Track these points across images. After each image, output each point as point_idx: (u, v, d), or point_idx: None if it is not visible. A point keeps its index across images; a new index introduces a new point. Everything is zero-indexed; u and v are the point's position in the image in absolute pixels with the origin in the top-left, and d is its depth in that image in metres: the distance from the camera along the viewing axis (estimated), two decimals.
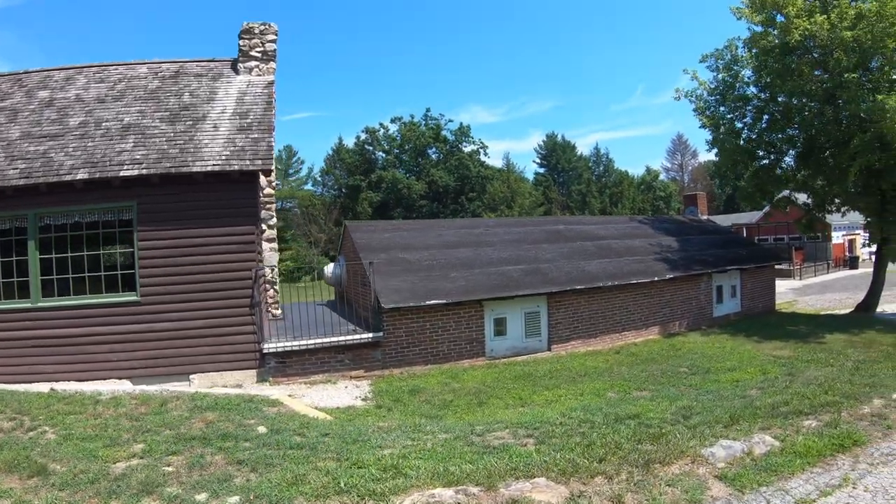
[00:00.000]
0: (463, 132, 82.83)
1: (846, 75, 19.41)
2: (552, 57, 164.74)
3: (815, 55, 21.55)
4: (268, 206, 19.65)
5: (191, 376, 13.87)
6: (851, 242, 54.30)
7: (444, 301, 16.45)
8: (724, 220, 59.51)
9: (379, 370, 15.65)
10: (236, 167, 14.04)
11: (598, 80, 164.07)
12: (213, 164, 14.02)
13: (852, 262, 51.81)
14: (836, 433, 8.01)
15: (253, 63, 18.65)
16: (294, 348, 14.82)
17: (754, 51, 23.11)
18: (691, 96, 25.14)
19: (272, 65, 18.91)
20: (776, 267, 46.59)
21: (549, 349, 18.27)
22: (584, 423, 9.06)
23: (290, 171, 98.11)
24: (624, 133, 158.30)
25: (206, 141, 14.79)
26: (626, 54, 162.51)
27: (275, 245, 20.06)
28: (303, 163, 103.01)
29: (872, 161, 20.20)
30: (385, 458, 6.87)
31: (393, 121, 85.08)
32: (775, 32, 22.29)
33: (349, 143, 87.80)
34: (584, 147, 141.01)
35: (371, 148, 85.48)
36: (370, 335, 15.65)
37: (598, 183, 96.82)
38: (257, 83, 17.85)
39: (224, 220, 14.21)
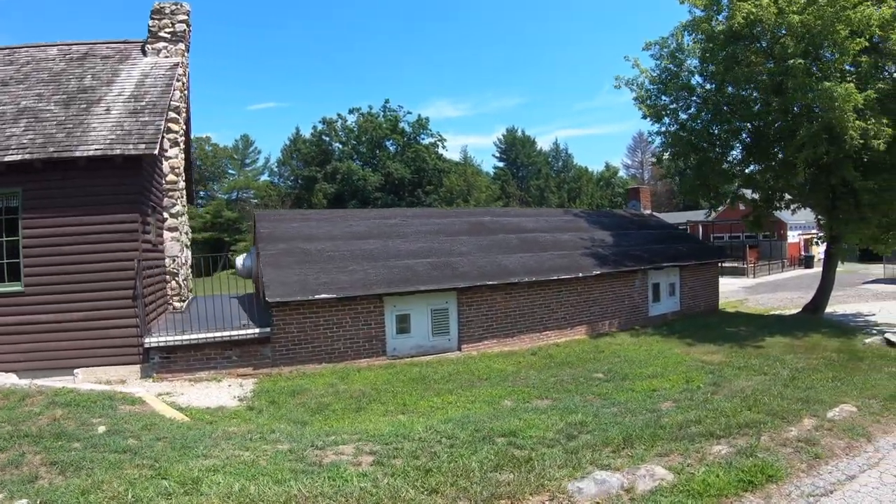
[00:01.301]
0: (421, 124, 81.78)
1: (791, 61, 18.07)
2: (518, 53, 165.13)
3: (763, 44, 20.40)
4: (170, 193, 18.61)
5: (75, 370, 13.15)
6: (807, 241, 53.92)
7: (336, 295, 15.06)
8: (679, 217, 59.23)
9: (268, 368, 14.59)
10: (119, 151, 13.28)
11: (564, 78, 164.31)
12: (96, 149, 13.27)
13: (807, 262, 51.53)
14: (748, 465, 6.88)
15: (161, 44, 18.02)
16: (178, 343, 13.85)
17: (699, 36, 21.83)
18: (632, 85, 23.68)
19: (181, 46, 18.31)
20: (729, 265, 47.28)
21: (460, 349, 16.89)
22: (447, 438, 8.12)
23: (247, 161, 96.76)
24: (589, 130, 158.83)
25: (95, 125, 14.02)
26: (593, 53, 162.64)
27: (178, 235, 18.89)
28: (259, 152, 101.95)
29: (820, 154, 18.99)
30: (194, 470, 6.43)
31: (351, 111, 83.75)
32: (720, 18, 21.11)
33: (307, 133, 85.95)
34: (546, 143, 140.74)
35: (328, 139, 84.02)
36: (257, 330, 14.53)
37: (556, 178, 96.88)
38: (162, 65, 17.20)
39: (107, 208, 13.53)
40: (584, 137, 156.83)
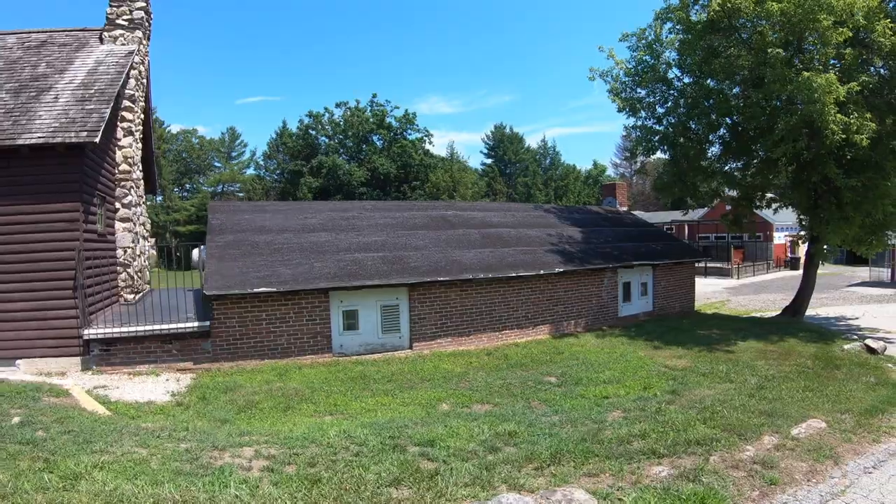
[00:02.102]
0: (408, 119, 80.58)
1: (770, 50, 17.21)
2: (513, 51, 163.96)
3: (743, 35, 19.55)
4: (123, 183, 18.11)
5: (17, 362, 13.02)
6: (793, 243, 53.48)
7: (275, 289, 14.30)
8: (665, 217, 58.75)
9: (209, 363, 14.12)
10: (60, 139, 13.06)
11: (557, 76, 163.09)
12: (39, 137, 13.09)
13: (793, 263, 51.01)
14: (687, 491, 6.14)
15: (119, 32, 17.93)
16: (117, 335, 13.50)
17: (677, 27, 21.01)
18: (607, 76, 22.67)
19: (138, 33, 18.23)
20: (714, 265, 47.05)
21: (411, 347, 16.12)
22: (357, 445, 7.71)
23: (233, 154, 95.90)
24: (581, 129, 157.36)
25: (42, 113, 13.88)
26: (588, 51, 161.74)
27: (130, 225, 18.34)
28: (246, 146, 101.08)
29: (800, 149, 18.15)
30: (81, 466, 6.29)
31: (338, 105, 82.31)
32: (698, 7, 20.36)
33: (294, 127, 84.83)
34: (535, 140, 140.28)
35: (314, 133, 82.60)
36: (196, 324, 14.06)
37: (544, 176, 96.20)
38: (117, 53, 17.02)
39: (49, 197, 13.35)
40: (575, 135, 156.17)
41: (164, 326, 13.80)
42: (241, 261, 15.24)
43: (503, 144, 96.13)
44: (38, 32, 17.56)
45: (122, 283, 17.86)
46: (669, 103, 22.21)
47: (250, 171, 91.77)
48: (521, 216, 23.54)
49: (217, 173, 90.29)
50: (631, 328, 19.36)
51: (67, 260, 13.20)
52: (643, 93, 22.42)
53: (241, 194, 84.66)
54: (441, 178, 76.90)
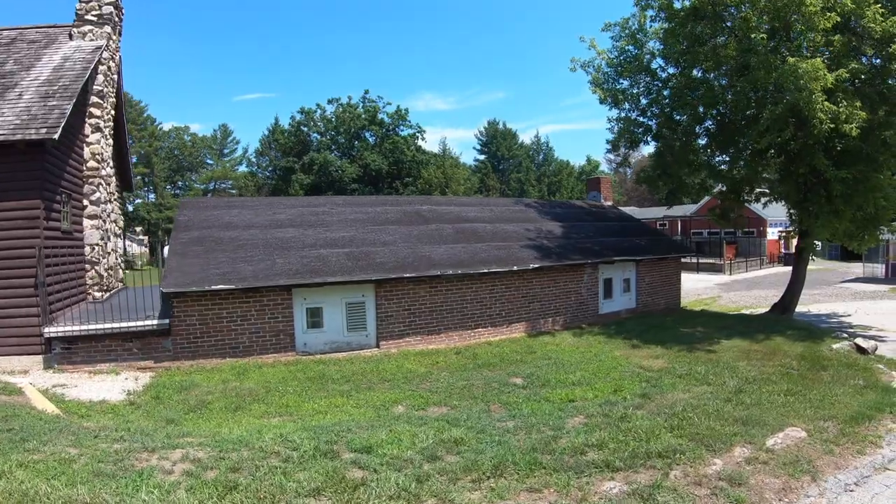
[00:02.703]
0: (400, 116, 79.77)
1: (754, 35, 16.67)
2: (507, 49, 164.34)
3: (728, 24, 18.93)
4: (90, 180, 17.74)
5: None
6: (786, 238, 53.15)
7: (234, 286, 13.83)
8: (657, 213, 58.41)
9: (169, 361, 13.90)
10: (20, 137, 12.98)
11: (551, 74, 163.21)
12: None
13: (786, 259, 50.46)
14: None
15: (87, 27, 17.87)
16: (78, 334, 13.35)
17: (661, 14, 20.30)
18: (588, 67, 22.03)
19: (106, 29, 18.15)
20: (706, 261, 46.68)
21: (378, 346, 15.66)
22: (289, 450, 7.28)
23: (225, 151, 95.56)
24: (575, 125, 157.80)
25: (5, 110, 13.82)
26: (581, 50, 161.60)
27: (99, 223, 17.92)
28: (238, 143, 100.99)
29: (786, 139, 17.65)
30: (7, 464, 6.18)
31: (330, 102, 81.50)
32: None
33: (286, 123, 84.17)
34: (528, 136, 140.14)
35: (306, 129, 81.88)
36: (155, 322, 13.82)
37: (537, 171, 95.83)
38: (84, 48, 17.04)
39: (9, 194, 13.26)
40: (569, 132, 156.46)
41: (125, 325, 13.50)
42: (203, 257, 14.83)
43: (496, 140, 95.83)
44: (9, 30, 17.41)
45: (90, 281, 17.51)
46: (653, 94, 21.62)
47: (243, 168, 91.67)
48: (499, 211, 22.98)
49: (209, 170, 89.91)
50: (611, 326, 18.75)
51: (29, 258, 13.05)
52: (626, 84, 21.84)
53: (233, 191, 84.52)
54: (433, 175, 76.31)
